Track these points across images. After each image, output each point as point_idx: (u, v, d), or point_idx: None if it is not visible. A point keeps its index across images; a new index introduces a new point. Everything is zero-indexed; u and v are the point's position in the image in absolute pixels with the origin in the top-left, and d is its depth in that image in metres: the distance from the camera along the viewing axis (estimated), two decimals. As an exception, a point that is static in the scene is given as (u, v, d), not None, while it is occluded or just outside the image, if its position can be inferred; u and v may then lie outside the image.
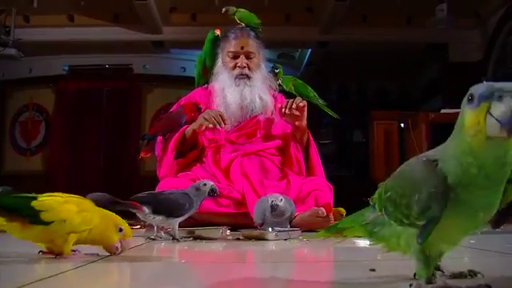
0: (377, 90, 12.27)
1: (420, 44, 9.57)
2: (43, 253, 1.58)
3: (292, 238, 2.29)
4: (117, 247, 1.60)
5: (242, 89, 3.49)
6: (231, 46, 3.56)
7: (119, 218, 1.63)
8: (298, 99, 3.38)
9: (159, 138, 3.47)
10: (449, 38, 9.16)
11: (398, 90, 12.18)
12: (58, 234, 1.51)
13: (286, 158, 3.46)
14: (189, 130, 3.36)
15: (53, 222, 1.49)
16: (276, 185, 3.19)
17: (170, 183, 3.03)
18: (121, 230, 1.60)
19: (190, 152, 3.42)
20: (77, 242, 1.58)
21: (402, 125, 7.24)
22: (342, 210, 3.56)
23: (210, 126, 3.25)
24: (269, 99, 3.57)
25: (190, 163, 3.40)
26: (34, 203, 1.50)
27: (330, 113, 3.68)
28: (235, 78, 3.51)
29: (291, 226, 2.56)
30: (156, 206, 2.06)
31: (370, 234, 1.20)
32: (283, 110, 3.35)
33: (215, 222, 2.79)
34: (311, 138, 3.58)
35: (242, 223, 2.80)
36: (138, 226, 2.69)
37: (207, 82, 3.78)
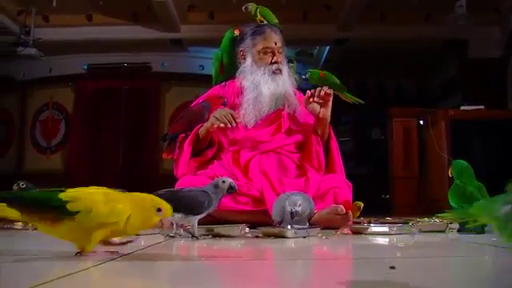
0: (395, 88, 12.22)
1: (439, 41, 9.51)
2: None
3: (311, 236, 2.28)
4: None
5: (277, 83, 3.52)
6: (265, 42, 3.58)
7: (156, 198, 1.62)
8: (325, 87, 3.37)
9: (180, 137, 3.46)
10: (468, 35, 9.09)
11: (417, 87, 12.13)
12: (85, 227, 1.49)
13: (305, 153, 3.44)
14: (202, 129, 3.36)
15: (79, 212, 1.48)
16: (295, 182, 3.18)
17: (188, 181, 3.03)
18: (159, 210, 1.58)
19: (206, 150, 3.42)
20: (114, 235, 1.59)
21: (421, 122, 7.21)
22: (359, 203, 3.54)
23: (222, 125, 3.24)
24: (293, 94, 3.59)
25: (208, 161, 3.40)
26: (61, 195, 1.49)
27: (355, 99, 3.64)
28: (272, 73, 3.53)
29: (310, 224, 2.54)
30: (175, 204, 2.05)
31: (503, 230, 1.08)
32: (311, 98, 3.34)
33: (234, 220, 2.78)
34: (332, 133, 3.57)
35: (260, 221, 2.78)
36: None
37: (225, 80, 3.78)
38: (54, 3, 8.27)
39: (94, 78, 10.29)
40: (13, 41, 8.79)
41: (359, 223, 3.39)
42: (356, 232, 2.44)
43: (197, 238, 2.12)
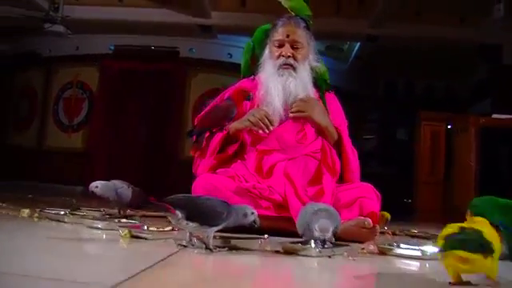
0: (424, 88, 12.06)
1: (472, 43, 9.29)
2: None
3: (337, 254, 2.11)
4: None
5: (285, 80, 3.23)
6: (278, 34, 3.31)
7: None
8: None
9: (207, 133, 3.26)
10: (503, 39, 8.87)
11: (447, 89, 11.96)
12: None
13: (322, 153, 3.23)
14: (232, 129, 3.18)
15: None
16: (312, 189, 2.97)
17: (208, 180, 2.89)
18: None
19: (227, 146, 3.22)
20: None
21: (449, 126, 7.09)
22: (387, 215, 3.38)
23: (260, 131, 3.07)
24: (313, 94, 3.32)
25: (229, 159, 3.21)
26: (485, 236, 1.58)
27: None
28: (279, 67, 3.26)
29: (335, 237, 2.35)
30: (190, 212, 1.89)
31: None
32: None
33: (253, 225, 2.62)
34: (346, 140, 3.30)
35: (282, 228, 2.66)
36: (170, 228, 2.49)
37: (254, 73, 3.59)
38: (85, -19, 8.21)
39: (120, 59, 10.26)
40: (41, 17, 8.72)
41: (384, 233, 3.25)
42: (383, 252, 2.26)
43: (211, 251, 1.95)
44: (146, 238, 2.19)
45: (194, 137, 3.16)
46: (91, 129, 10.27)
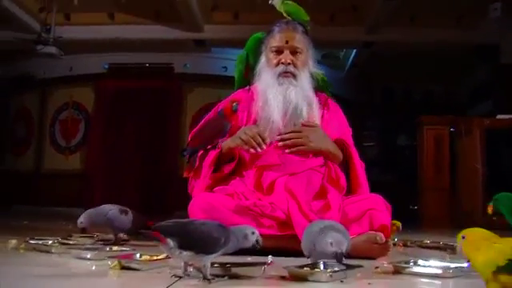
0: (423, 93, 11.96)
1: (470, 45, 9.19)
2: None
3: (349, 278, 1.91)
4: None
5: (285, 88, 3.03)
6: (275, 40, 3.12)
7: None
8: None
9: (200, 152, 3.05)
10: (501, 39, 8.76)
11: (446, 93, 11.85)
12: None
13: (326, 167, 3.03)
14: (224, 146, 2.99)
15: None
16: (317, 204, 2.79)
17: (205, 199, 2.71)
18: None
19: (223, 165, 3.05)
20: None
21: (452, 129, 6.97)
22: (398, 223, 3.23)
23: (251, 150, 2.87)
24: (315, 104, 3.13)
25: (225, 178, 3.01)
26: None
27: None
28: (278, 75, 3.06)
29: (345, 256, 2.14)
30: (184, 240, 1.67)
31: None
32: (280, 143, 2.97)
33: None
34: (352, 152, 3.11)
35: (287, 246, 2.48)
36: (164, 256, 2.24)
37: (249, 84, 3.41)
38: (76, 1, 8.10)
39: (115, 78, 10.20)
40: (33, 39, 8.65)
41: (395, 245, 3.11)
42: (398, 271, 2.07)
43: (209, 281, 1.75)
44: (137, 269, 1.98)
45: (187, 156, 3.01)
46: (88, 149, 10.19)
